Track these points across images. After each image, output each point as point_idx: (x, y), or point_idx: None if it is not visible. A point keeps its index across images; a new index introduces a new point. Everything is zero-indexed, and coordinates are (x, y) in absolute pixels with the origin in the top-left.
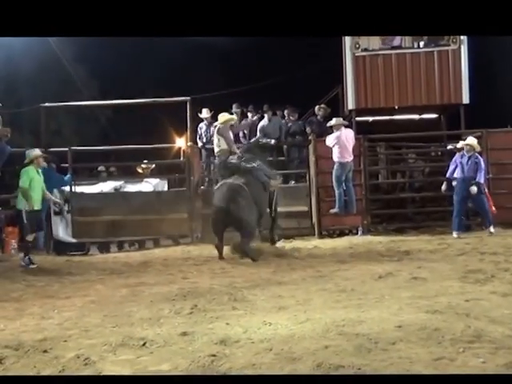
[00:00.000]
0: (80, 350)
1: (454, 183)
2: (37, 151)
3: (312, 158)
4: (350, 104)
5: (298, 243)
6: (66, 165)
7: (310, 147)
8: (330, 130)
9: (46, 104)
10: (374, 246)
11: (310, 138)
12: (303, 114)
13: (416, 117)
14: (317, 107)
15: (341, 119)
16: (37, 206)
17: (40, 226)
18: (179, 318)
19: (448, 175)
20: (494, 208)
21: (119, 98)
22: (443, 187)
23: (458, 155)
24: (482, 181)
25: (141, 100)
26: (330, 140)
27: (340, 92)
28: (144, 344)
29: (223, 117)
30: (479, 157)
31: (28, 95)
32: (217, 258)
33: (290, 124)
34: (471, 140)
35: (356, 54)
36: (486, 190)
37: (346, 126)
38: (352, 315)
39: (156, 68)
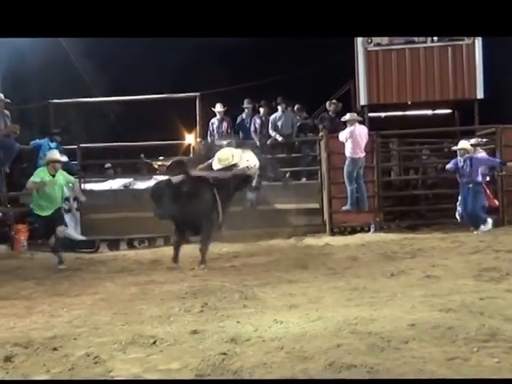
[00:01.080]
0: (90, 349)
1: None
2: (53, 154)
3: (324, 155)
4: (363, 100)
5: (309, 240)
6: (75, 162)
7: (322, 143)
8: (343, 126)
9: (55, 100)
10: (387, 244)
11: (321, 134)
12: (314, 110)
13: (429, 112)
14: (328, 102)
15: (355, 114)
16: (46, 213)
17: (59, 222)
18: (189, 316)
19: (446, 167)
20: (496, 201)
21: (128, 94)
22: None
23: (459, 157)
24: (478, 179)
25: (150, 96)
26: (343, 135)
27: (352, 88)
28: (154, 342)
29: None
30: (474, 156)
31: (36, 91)
32: (226, 256)
33: (299, 123)
34: (464, 144)
35: (368, 49)
36: (488, 191)
37: (360, 122)
38: (364, 313)
39: (163, 66)
